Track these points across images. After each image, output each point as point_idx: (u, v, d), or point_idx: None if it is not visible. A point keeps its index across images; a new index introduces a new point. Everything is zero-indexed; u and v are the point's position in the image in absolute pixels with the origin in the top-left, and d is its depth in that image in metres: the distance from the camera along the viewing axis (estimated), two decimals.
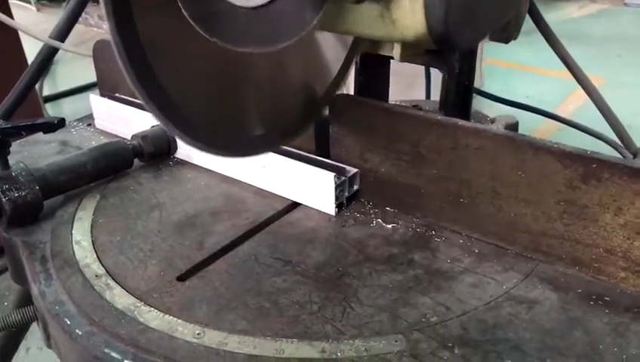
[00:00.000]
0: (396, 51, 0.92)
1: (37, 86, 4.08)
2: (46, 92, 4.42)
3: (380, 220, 1.08)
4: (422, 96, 2.09)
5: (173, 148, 1.30)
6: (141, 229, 1.08)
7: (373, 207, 1.11)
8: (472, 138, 0.96)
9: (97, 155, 1.20)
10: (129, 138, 1.30)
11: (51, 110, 4.21)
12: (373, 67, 1.41)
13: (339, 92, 1.13)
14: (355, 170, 1.11)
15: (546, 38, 1.34)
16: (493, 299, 0.88)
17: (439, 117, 1.00)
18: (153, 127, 1.31)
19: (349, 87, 3.57)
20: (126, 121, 1.39)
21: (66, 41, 2.29)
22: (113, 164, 1.22)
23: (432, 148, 1.01)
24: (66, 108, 4.32)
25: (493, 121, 1.03)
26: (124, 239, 1.06)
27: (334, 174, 1.08)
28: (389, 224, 1.07)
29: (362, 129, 1.10)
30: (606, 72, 4.35)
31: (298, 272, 0.96)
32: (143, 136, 1.27)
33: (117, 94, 1.48)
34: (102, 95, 1.49)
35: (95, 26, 5.85)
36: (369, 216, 1.10)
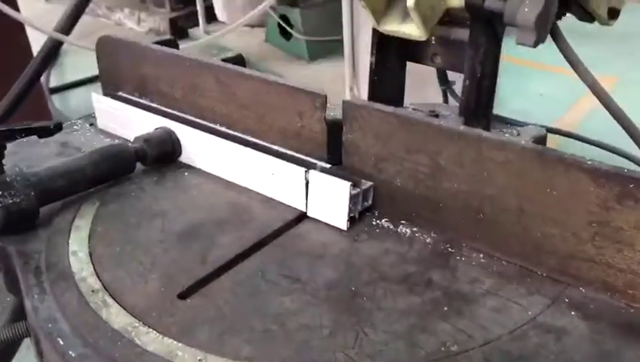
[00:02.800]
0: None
1: (43, 78, 4.05)
2: (53, 83, 4.37)
3: (395, 235, 1.01)
4: (433, 95, 2.01)
5: (178, 151, 1.24)
6: (142, 240, 1.02)
7: (388, 221, 1.04)
8: (497, 151, 0.90)
9: (97, 159, 1.14)
10: (132, 140, 1.24)
11: (58, 102, 4.16)
12: (387, 68, 1.35)
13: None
14: (370, 183, 1.04)
15: (554, 40, 1.25)
16: (518, 327, 0.82)
17: (461, 128, 0.93)
18: (157, 129, 1.25)
19: (360, 88, 3.47)
20: (129, 121, 1.33)
21: (74, 33, 2.24)
22: (114, 169, 1.16)
23: (453, 160, 0.95)
24: (73, 101, 4.27)
25: (519, 132, 0.96)
26: (124, 250, 1.00)
27: (350, 183, 1.01)
28: (405, 240, 1.00)
29: (377, 137, 1.03)
30: (619, 70, 4.24)
31: (308, 291, 0.89)
32: (147, 139, 1.21)
33: (120, 93, 1.42)
34: (105, 94, 1.43)
35: (103, 16, 5.79)
36: (383, 230, 1.03)
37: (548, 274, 0.91)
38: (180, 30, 5.17)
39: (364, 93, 3.35)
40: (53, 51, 2.28)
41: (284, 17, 4.30)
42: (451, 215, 0.98)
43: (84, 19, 2.31)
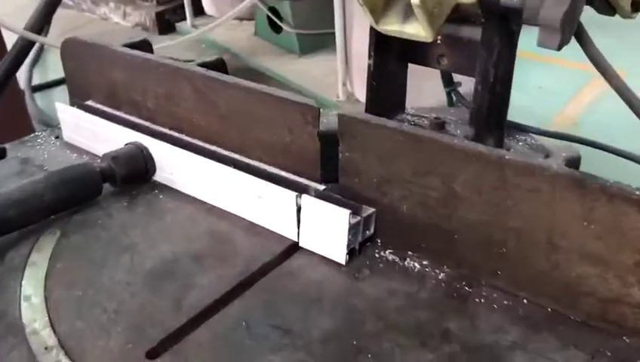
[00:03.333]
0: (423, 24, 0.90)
1: (25, 76, 3.89)
2: (36, 80, 4.20)
3: (402, 270, 0.87)
4: (433, 96, 1.85)
5: (152, 170, 1.09)
6: (106, 281, 0.87)
7: (393, 253, 0.90)
8: (524, 177, 0.75)
9: (57, 182, 0.99)
10: (101, 154, 1.09)
11: (40, 100, 3.99)
12: (387, 70, 1.21)
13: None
14: (372, 209, 0.90)
15: (579, 41, 1.11)
16: None
17: (480, 148, 0.79)
18: (127, 144, 1.10)
19: (354, 83, 3.30)
20: (98, 134, 1.18)
21: (58, 28, 2.08)
22: (77, 193, 1.01)
23: (470, 185, 0.80)
24: (57, 99, 4.08)
25: (548, 154, 0.82)
26: (85, 294, 0.85)
27: (349, 212, 0.87)
28: (414, 276, 0.86)
29: (380, 156, 0.89)
30: (628, 62, 4.09)
31: (300, 347, 0.75)
32: (114, 157, 1.06)
33: (89, 102, 1.27)
34: (72, 103, 1.28)
35: (88, 11, 5.60)
36: (388, 263, 0.89)
37: (584, 320, 0.77)
38: (167, 24, 5.00)
39: (357, 88, 3.22)
40: (25, 49, 2.13)
41: (273, 10, 4.13)
42: (468, 248, 0.84)
43: (69, 14, 2.16)
